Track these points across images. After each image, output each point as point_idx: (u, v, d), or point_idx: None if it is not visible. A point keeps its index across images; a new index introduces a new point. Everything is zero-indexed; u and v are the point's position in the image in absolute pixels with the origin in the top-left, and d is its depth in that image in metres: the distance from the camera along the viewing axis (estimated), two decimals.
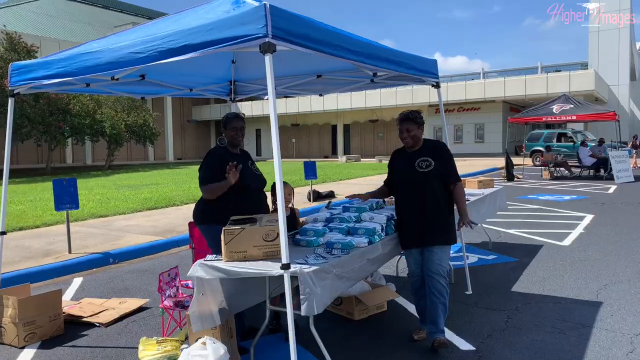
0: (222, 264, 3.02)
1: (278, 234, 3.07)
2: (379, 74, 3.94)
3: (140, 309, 4.84)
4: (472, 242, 7.31)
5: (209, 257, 3.22)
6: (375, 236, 3.52)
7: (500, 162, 22.79)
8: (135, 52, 3.12)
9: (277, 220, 3.26)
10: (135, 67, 3.15)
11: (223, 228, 3.09)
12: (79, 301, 5.01)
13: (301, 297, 2.72)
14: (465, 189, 6.55)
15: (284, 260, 2.64)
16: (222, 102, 47.60)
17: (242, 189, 3.88)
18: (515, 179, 17.57)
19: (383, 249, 3.58)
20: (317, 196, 12.38)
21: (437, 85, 4.69)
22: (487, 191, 6.39)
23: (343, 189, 14.49)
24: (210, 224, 3.85)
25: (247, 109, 43.57)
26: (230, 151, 4.09)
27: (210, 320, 3.22)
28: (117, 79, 3.51)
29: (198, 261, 3.13)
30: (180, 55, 2.92)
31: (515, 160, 20.95)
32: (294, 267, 2.76)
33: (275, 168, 2.71)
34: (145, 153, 41.67)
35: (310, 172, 12.16)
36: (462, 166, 24.88)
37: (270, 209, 4.21)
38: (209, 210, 3.96)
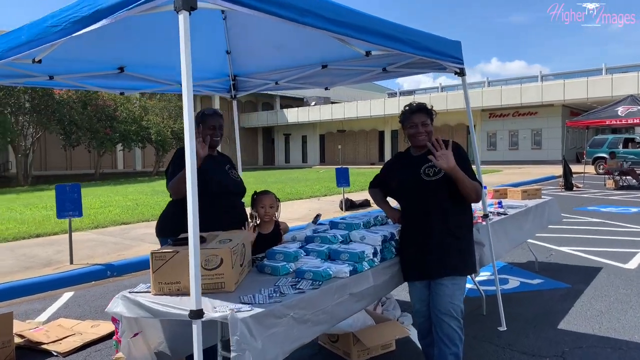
0: (146, 299, 2.29)
1: (222, 260, 2.31)
2: (374, 53, 3.14)
3: (112, 335, 4.21)
4: (515, 261, 6.27)
5: (140, 286, 2.50)
6: (364, 263, 2.69)
7: (559, 170, 21.10)
8: (51, 25, 2.49)
9: (231, 240, 2.52)
10: (52, 43, 2.51)
11: (151, 251, 2.37)
12: (43, 325, 4.44)
13: (232, 354, 1.94)
14: (506, 200, 5.58)
15: (194, 305, 1.87)
16: (269, 109, 47.61)
17: (212, 190, 3.17)
18: (575, 188, 16.02)
19: (375, 279, 2.74)
20: (349, 205, 11.55)
21: (461, 73, 3.79)
22: (532, 203, 5.37)
23: None
24: (172, 236, 3.16)
25: (293, 115, 43.31)
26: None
27: None
28: (40, 61, 2.88)
29: (121, 293, 2.42)
30: (94, 24, 2.25)
31: (576, 168, 19.28)
32: (218, 311, 1.99)
33: (188, 170, 1.95)
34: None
35: (342, 179, 11.35)
36: (516, 174, 23.29)
37: (250, 223, 3.46)
38: (172, 219, 3.27)
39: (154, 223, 3.46)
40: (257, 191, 3.46)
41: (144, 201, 14.16)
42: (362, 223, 3.06)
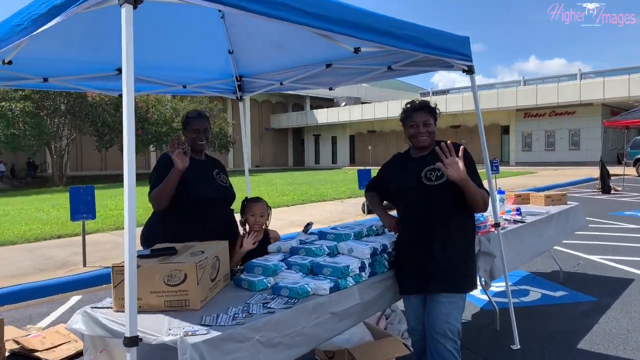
0: (105, 316, 2.13)
1: (186, 276, 2.14)
2: (363, 49, 2.90)
3: None
4: (538, 270, 5.89)
5: (106, 300, 2.35)
6: (348, 278, 2.46)
7: (597, 172, 20.25)
8: (16, 24, 2.38)
9: (203, 252, 2.35)
10: (17, 42, 2.39)
11: (112, 264, 2.22)
12: (42, 331, 4.39)
13: None
14: (527, 206, 5.24)
15: (128, 332, 1.70)
16: (299, 110, 47.63)
17: (194, 196, 3.02)
18: (613, 191, 15.26)
19: (362, 296, 2.51)
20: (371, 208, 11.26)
21: (469, 71, 3.51)
22: (556, 209, 5.01)
23: None
24: None
25: (323, 115, 43.20)
26: (192, 157, 3.23)
27: None
28: (10, 62, 2.77)
29: (84, 308, 2.27)
30: (50, 21, 2.13)
31: (616, 169, 18.41)
32: (171, 334, 1.81)
33: (125, 173, 1.78)
34: (225, 160, 42.52)
35: (365, 181, 11.07)
36: (551, 176, 22.49)
37: (240, 231, 3.29)
38: (156, 231, 3.15)
39: None
40: (248, 198, 3.27)
41: None
42: (352, 234, 2.84)
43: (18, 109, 21.80)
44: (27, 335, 4.17)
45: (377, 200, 3.11)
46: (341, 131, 44.54)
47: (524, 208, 4.99)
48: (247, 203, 3.22)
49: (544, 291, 5.11)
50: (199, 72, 4.72)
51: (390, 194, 2.95)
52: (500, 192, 4.97)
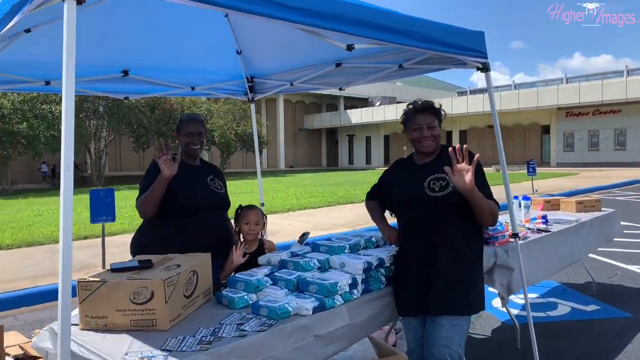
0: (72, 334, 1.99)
1: (153, 294, 1.98)
2: (357, 46, 2.67)
3: None
4: (569, 281, 5.49)
5: (76, 316, 2.22)
6: (336, 297, 2.25)
7: None
8: None
9: (179, 266, 2.19)
10: None
11: (78, 279, 2.08)
12: None
13: None
14: (557, 213, 4.90)
15: None
16: (333, 110, 47.46)
17: (182, 203, 2.88)
18: None
19: (352, 317, 2.29)
20: None
21: (484, 68, 3.23)
22: (587, 217, 4.64)
23: None
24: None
25: (357, 115, 42.88)
26: (185, 162, 3.11)
27: None
28: None
29: (51, 325, 2.15)
30: (12, 19, 2.01)
31: None
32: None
33: (62, 179, 1.62)
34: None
35: None
36: (594, 177, 21.51)
37: (240, 245, 3.11)
38: (144, 239, 3.02)
39: None
40: (242, 205, 3.11)
41: None
42: (348, 246, 2.62)
43: (58, 111, 22.46)
44: (32, 340, 4.14)
45: (377, 210, 2.89)
46: (375, 131, 44.10)
47: (553, 215, 4.65)
48: (242, 210, 3.06)
49: (574, 305, 4.73)
50: (208, 74, 4.60)
51: (391, 204, 2.73)
52: (526, 197, 4.63)
